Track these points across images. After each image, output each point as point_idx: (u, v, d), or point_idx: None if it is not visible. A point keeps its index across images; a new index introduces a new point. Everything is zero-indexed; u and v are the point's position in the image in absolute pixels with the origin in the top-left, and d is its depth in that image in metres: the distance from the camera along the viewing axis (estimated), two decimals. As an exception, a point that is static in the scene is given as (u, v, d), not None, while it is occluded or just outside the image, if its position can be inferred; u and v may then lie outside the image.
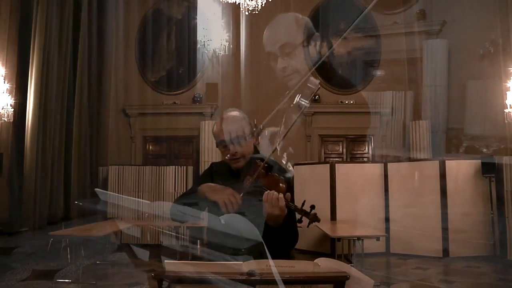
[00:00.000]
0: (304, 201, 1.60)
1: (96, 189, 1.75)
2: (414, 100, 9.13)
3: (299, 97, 1.64)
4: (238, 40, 9.17)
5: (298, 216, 1.61)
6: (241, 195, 1.63)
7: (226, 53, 9.34)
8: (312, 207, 1.58)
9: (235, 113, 1.83)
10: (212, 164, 1.98)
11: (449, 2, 8.96)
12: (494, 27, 7.87)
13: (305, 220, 1.62)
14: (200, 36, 9.34)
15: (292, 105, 1.65)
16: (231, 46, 9.31)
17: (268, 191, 1.57)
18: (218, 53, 9.35)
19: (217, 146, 1.80)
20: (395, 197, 7.00)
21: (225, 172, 1.82)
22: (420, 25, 9.20)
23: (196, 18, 9.35)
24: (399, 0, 9.34)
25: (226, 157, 1.78)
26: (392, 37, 9.27)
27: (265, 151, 1.74)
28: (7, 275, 5.05)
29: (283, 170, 1.73)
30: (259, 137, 1.81)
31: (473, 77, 8.31)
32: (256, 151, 1.84)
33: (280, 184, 1.61)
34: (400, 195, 6.94)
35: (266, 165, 1.66)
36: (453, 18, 8.81)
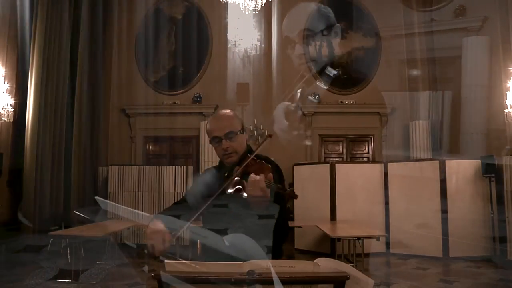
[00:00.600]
0: (283, 180, 1.64)
1: (97, 198, 1.70)
2: (451, 101, 8.91)
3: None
4: (270, 39, 9.16)
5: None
6: (173, 236, 1.61)
7: (258, 52, 9.28)
8: (290, 185, 1.62)
9: (226, 111, 1.93)
10: (205, 171, 2.03)
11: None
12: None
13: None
14: (231, 35, 9.25)
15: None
16: (263, 45, 9.27)
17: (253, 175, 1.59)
18: (250, 53, 9.31)
19: (210, 143, 1.87)
20: (395, 197, 7.01)
21: (218, 172, 1.87)
22: (459, 22, 8.90)
23: (227, 18, 9.21)
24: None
25: (219, 153, 1.85)
26: (429, 35, 9.03)
27: (280, 123, 1.78)
28: (35, 274, 5.09)
29: (274, 164, 1.79)
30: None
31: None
32: (248, 147, 1.90)
33: (266, 171, 1.64)
34: (400, 195, 6.95)
35: (255, 158, 1.71)
36: (495, 14, 8.44)
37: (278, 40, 9.14)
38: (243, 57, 9.34)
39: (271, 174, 1.64)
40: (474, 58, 8.38)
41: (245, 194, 1.60)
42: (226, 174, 1.75)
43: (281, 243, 1.79)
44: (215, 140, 1.83)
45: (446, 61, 9.11)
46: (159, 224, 1.66)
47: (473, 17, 8.88)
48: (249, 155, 1.73)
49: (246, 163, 1.67)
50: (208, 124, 1.89)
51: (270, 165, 1.72)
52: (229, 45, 9.28)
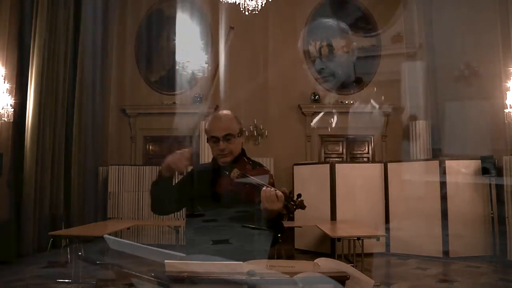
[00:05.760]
0: (291, 191, 1.65)
1: (105, 236, 1.57)
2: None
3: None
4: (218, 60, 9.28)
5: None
6: (191, 149, 1.79)
7: (205, 75, 9.48)
8: (299, 195, 1.64)
9: (226, 112, 1.96)
10: (199, 167, 2.10)
11: (426, 25, 8.93)
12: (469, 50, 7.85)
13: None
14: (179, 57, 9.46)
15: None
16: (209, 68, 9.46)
17: (266, 188, 1.62)
18: (197, 75, 9.49)
19: (207, 142, 1.93)
20: (395, 197, 7.01)
21: (208, 170, 1.94)
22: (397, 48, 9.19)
23: (175, 40, 9.45)
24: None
25: (215, 152, 1.91)
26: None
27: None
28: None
29: (266, 171, 1.85)
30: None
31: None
32: (243, 150, 1.95)
33: (268, 178, 1.70)
34: (400, 195, 6.95)
35: (250, 162, 1.86)
36: (430, 41, 8.75)
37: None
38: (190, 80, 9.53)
39: (272, 181, 1.70)
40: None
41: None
42: (227, 173, 1.80)
43: (276, 242, 1.79)
44: (212, 139, 1.88)
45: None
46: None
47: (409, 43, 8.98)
48: (245, 158, 1.84)
49: (243, 165, 1.76)
50: (207, 123, 1.93)
51: (269, 172, 1.78)
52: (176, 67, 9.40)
